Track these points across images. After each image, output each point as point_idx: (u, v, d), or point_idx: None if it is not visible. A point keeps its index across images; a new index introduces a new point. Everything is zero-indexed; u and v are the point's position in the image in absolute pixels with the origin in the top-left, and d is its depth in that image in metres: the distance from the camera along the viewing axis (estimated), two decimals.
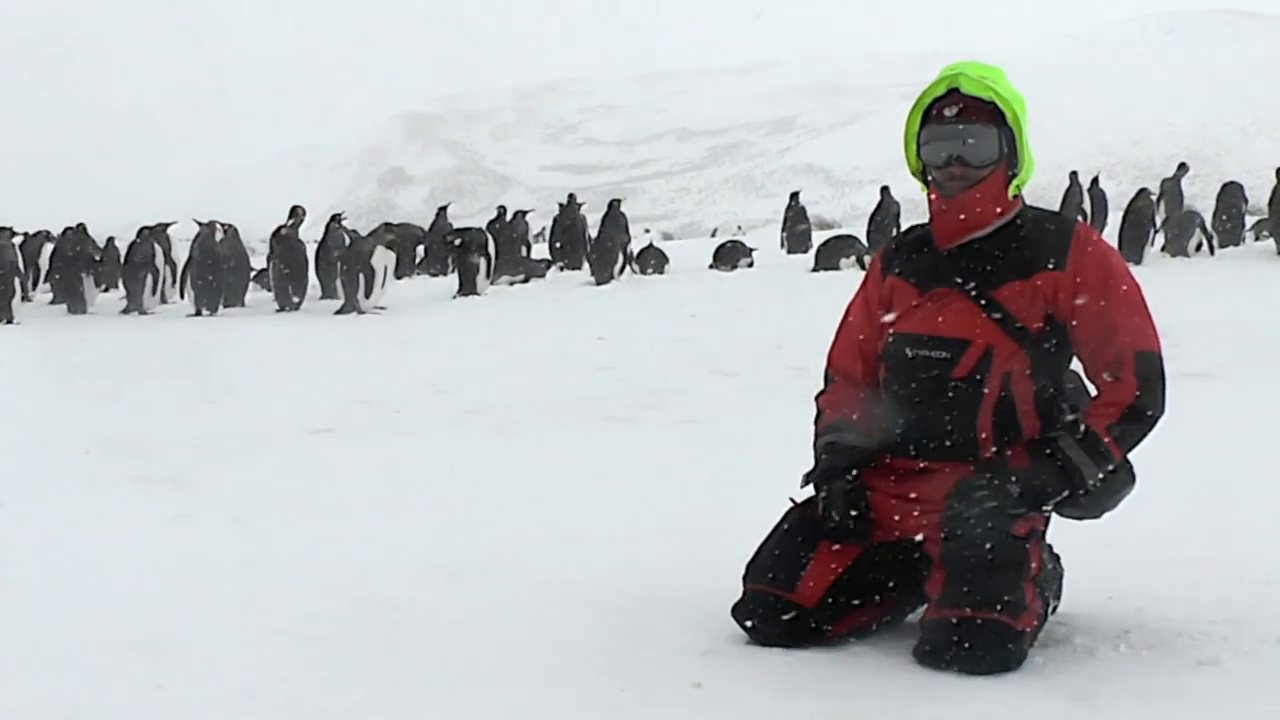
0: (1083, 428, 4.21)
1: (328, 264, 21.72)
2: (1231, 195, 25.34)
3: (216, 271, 21.14)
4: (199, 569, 5.46)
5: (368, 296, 19.72)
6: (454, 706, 3.79)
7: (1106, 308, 4.24)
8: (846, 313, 4.73)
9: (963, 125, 4.34)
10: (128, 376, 13.47)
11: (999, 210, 4.40)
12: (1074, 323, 4.27)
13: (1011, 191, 4.41)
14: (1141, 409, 4.19)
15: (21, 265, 22.20)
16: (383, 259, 20.02)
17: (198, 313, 20.66)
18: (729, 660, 4.16)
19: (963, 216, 4.38)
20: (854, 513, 4.32)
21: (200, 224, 21.72)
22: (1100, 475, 4.19)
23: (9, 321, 20.50)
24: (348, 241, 21.29)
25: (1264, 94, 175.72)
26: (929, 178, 4.45)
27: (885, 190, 26.90)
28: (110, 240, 25.56)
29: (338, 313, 19.65)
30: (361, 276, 19.70)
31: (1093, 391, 4.36)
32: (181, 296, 21.69)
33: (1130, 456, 4.28)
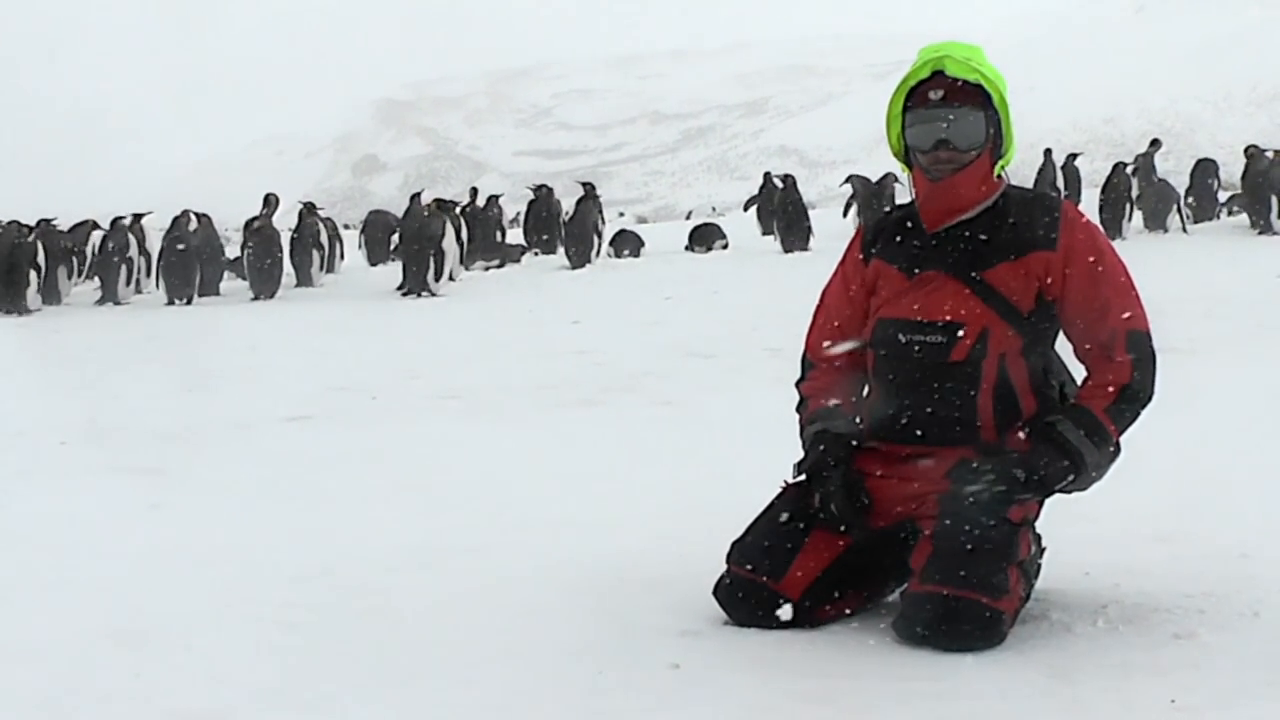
0: (1081, 410, 4.22)
1: (301, 252, 21.66)
2: (1205, 171, 25.44)
3: (190, 261, 21.06)
4: (176, 557, 5.45)
5: (438, 279, 19.65)
6: (431, 692, 3.78)
7: (1098, 287, 4.24)
8: (823, 296, 4.68)
9: (949, 109, 4.30)
10: (103, 367, 13.43)
11: (985, 192, 4.38)
12: (1065, 302, 4.27)
13: (996, 172, 4.40)
14: (1137, 389, 4.21)
15: None
16: (451, 240, 20.02)
17: (170, 302, 20.61)
18: (708, 641, 4.17)
19: (950, 200, 4.35)
20: (855, 505, 4.30)
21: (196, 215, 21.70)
22: (1099, 456, 4.21)
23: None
24: (415, 223, 21.00)
25: (1235, 69, 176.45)
26: (913, 161, 4.43)
27: (889, 175, 26.76)
28: (39, 231, 25.37)
29: (405, 295, 19.59)
30: (431, 258, 19.63)
31: (1076, 368, 4.37)
32: (156, 287, 21.63)
33: None
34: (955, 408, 4.29)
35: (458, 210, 22.53)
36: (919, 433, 4.34)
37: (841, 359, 4.56)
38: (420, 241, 19.91)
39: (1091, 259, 4.26)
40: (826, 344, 4.58)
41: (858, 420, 4.48)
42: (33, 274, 20.59)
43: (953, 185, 4.34)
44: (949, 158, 4.32)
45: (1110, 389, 4.21)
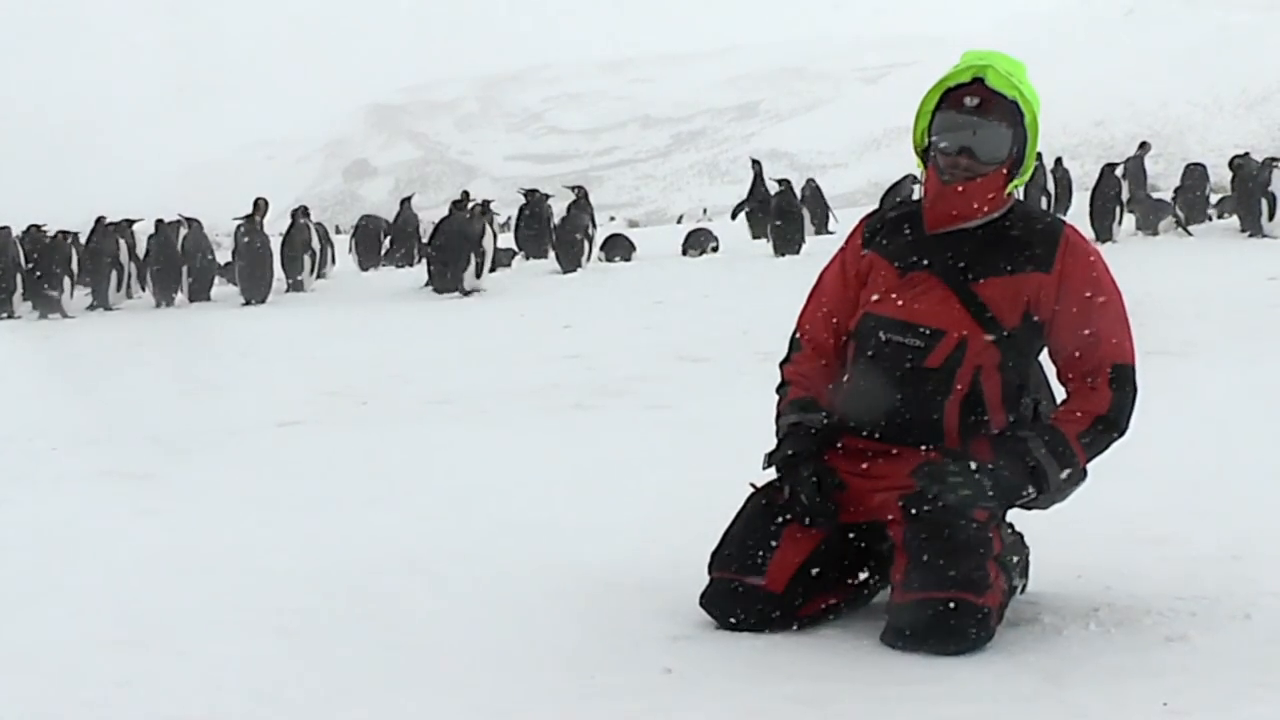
0: (1053, 431, 4.23)
1: (292, 256, 21.66)
2: (1195, 176, 25.51)
3: (180, 266, 21.07)
4: (168, 563, 5.44)
5: (478, 276, 19.71)
6: (424, 697, 3.78)
7: (1088, 316, 4.24)
8: (820, 280, 4.68)
9: (981, 118, 4.31)
10: (95, 372, 13.42)
11: (992, 205, 4.37)
12: (1055, 326, 4.27)
13: (1008, 190, 4.40)
14: (1112, 421, 4.22)
15: None
16: (490, 240, 20.11)
17: (158, 305, 20.63)
18: (698, 645, 4.16)
19: (957, 206, 4.36)
20: (826, 497, 4.31)
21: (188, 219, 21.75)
22: (1063, 478, 4.22)
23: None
24: (450, 222, 21.11)
25: (1224, 71, 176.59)
26: (931, 159, 4.43)
27: (909, 177, 26.74)
28: (75, 236, 25.40)
29: (438, 291, 19.62)
30: (472, 257, 19.68)
31: (1057, 389, 4.38)
32: (145, 291, 21.63)
33: None
34: (922, 411, 4.30)
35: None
36: (885, 431, 4.36)
37: (831, 345, 4.56)
38: (459, 241, 19.95)
39: (1088, 288, 4.26)
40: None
41: (830, 415, 4.48)
42: (66, 278, 20.72)
43: (962, 192, 4.34)
44: (967, 165, 4.32)
45: (1086, 415, 4.22)
